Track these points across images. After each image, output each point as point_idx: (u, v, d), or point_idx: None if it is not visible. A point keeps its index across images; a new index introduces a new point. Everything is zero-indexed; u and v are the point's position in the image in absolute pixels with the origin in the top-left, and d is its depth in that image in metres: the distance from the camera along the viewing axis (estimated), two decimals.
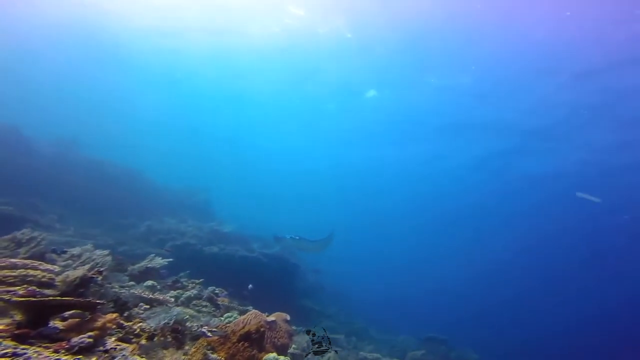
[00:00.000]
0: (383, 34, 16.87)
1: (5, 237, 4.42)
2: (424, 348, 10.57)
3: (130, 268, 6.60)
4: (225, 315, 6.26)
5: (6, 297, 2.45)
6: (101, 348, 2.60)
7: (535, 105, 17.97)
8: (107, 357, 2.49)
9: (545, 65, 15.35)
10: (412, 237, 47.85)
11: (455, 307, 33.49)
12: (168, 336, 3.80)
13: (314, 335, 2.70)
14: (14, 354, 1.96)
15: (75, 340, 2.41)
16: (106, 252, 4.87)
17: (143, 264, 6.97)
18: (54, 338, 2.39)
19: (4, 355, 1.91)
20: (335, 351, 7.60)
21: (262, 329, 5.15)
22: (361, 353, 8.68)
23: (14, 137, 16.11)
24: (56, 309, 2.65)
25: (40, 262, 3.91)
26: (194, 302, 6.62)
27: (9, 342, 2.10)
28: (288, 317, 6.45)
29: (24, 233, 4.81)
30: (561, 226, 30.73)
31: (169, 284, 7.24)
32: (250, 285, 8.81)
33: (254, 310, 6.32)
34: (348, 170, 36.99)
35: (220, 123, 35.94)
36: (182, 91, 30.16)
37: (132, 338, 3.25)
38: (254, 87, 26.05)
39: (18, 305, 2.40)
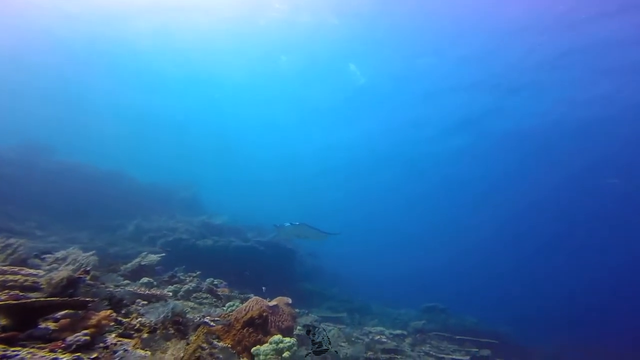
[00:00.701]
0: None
1: None
2: (425, 318, 11.10)
3: (123, 267, 6.45)
4: (227, 304, 6.26)
5: None
6: (101, 345, 2.51)
7: (515, 61, 18.00)
8: (108, 352, 2.41)
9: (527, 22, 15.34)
10: (403, 213, 49.12)
11: (452, 280, 35.01)
12: (170, 329, 3.75)
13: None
14: (4, 357, 1.84)
15: (71, 338, 2.31)
16: (91, 252, 4.73)
17: (136, 261, 6.84)
18: (47, 339, 2.28)
19: None
20: (339, 328, 7.86)
21: (264, 314, 5.18)
22: (365, 328, 9.00)
23: None
24: (44, 310, 2.52)
25: (21, 268, 3.70)
26: (194, 295, 6.58)
27: None
28: (290, 301, 6.50)
29: None
30: (550, 188, 31.94)
31: (165, 279, 7.13)
32: (247, 272, 8.87)
33: (255, 297, 6.34)
34: (333, 150, 36.82)
35: (200, 115, 34.86)
36: (158, 85, 28.89)
37: (133, 333, 3.18)
38: (230, 72, 25.31)
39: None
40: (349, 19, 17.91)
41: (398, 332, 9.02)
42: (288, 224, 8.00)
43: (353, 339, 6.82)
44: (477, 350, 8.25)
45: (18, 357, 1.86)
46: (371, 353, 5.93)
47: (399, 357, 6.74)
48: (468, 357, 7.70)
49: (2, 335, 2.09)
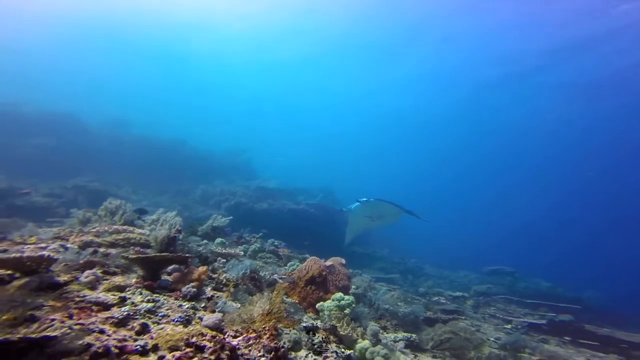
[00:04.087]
0: None
1: (101, 207, 5.36)
2: (489, 282, 10.77)
3: (200, 229, 7.62)
4: (289, 264, 7.07)
5: (125, 255, 3.11)
6: (204, 296, 3.21)
7: None
8: (211, 302, 3.08)
9: None
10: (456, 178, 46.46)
11: (516, 243, 32.94)
12: (249, 284, 4.51)
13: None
14: (154, 300, 2.57)
15: (185, 289, 3.01)
16: (174, 212, 5.67)
17: (209, 223, 7.98)
18: (169, 289, 3.01)
19: (148, 301, 2.51)
20: (395, 288, 8.25)
21: (324, 273, 5.75)
22: (420, 289, 9.25)
23: (74, 123, 18.41)
24: (161, 264, 3.27)
25: (133, 228, 4.70)
26: (259, 254, 7.55)
27: (146, 291, 2.73)
28: (344, 261, 6.99)
29: (110, 202, 5.79)
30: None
31: (234, 240, 8.27)
32: (306, 242, 9.50)
33: (312, 257, 6.96)
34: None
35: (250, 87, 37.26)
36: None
37: (222, 287, 3.92)
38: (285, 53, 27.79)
39: (137, 262, 3.02)
40: None
41: (458, 294, 9.04)
42: (363, 200, 6.58)
43: (409, 299, 7.16)
44: (554, 314, 7.73)
45: (160, 301, 2.57)
46: (430, 313, 6.20)
47: (461, 317, 6.87)
48: (544, 321, 7.27)
49: (145, 283, 2.87)
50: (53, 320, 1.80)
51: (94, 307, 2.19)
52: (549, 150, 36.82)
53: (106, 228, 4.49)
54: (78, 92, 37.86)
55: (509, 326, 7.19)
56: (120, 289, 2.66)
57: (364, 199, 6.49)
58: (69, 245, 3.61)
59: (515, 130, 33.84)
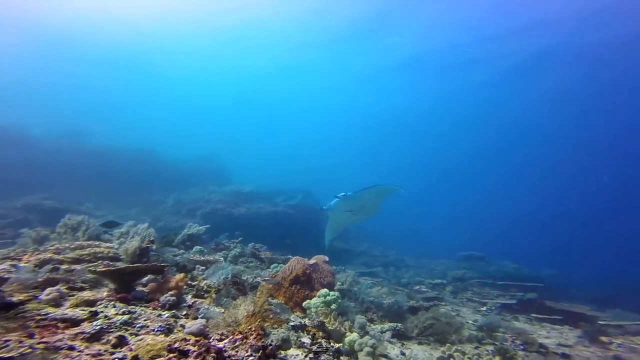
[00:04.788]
0: None
1: (59, 224, 4.91)
2: (463, 267, 11.44)
3: (176, 239, 7.27)
4: (272, 266, 6.96)
5: (92, 269, 2.87)
6: (184, 304, 3.06)
7: None
8: (193, 309, 2.94)
9: None
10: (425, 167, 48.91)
11: (486, 228, 35.14)
12: (231, 288, 4.37)
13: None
14: (130, 312, 2.39)
15: (163, 299, 2.84)
16: (146, 224, 5.37)
17: (185, 232, 7.65)
18: (146, 299, 2.83)
19: (123, 313, 2.33)
20: (377, 281, 8.45)
21: (308, 272, 5.73)
22: (403, 280, 9.56)
23: (17, 135, 16.65)
24: (134, 275, 3.07)
25: (99, 242, 4.38)
26: (241, 259, 7.36)
27: (119, 304, 2.54)
28: (327, 258, 7.01)
29: (70, 218, 5.33)
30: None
31: (212, 247, 7.99)
32: (288, 240, 9.44)
33: (295, 257, 6.92)
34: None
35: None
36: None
37: (204, 294, 3.77)
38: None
39: (106, 275, 2.81)
40: None
41: (437, 281, 9.46)
42: (342, 195, 6.37)
43: (393, 291, 7.35)
44: (522, 294, 8.37)
45: (137, 312, 2.40)
46: (413, 302, 6.42)
47: (442, 304, 7.18)
48: (514, 301, 7.89)
49: (118, 296, 2.66)
50: (7, 341, 1.62)
51: (59, 324, 1.99)
52: (515, 146, 39.45)
53: (67, 245, 4.12)
54: (24, 102, 34.51)
55: (484, 308, 7.68)
56: (90, 303, 2.45)
57: (342, 194, 6.44)
58: (21, 265, 3.26)
59: (485, 127, 35.92)
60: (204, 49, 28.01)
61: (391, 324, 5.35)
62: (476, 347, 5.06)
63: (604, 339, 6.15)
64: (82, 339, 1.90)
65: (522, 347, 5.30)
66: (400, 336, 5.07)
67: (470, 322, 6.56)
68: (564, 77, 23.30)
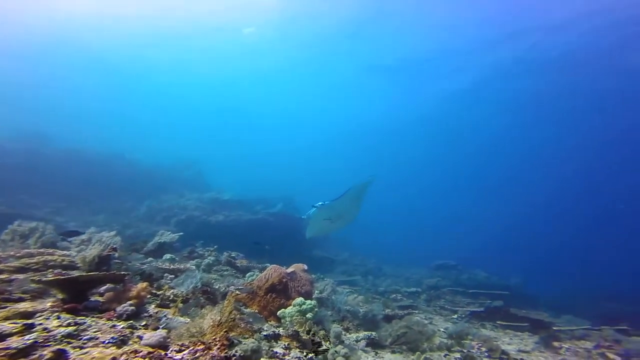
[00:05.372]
0: None
1: (5, 231, 4.49)
2: (437, 275, 11.72)
3: (144, 246, 6.87)
4: (247, 274, 6.73)
5: (37, 278, 2.61)
6: (145, 314, 2.85)
7: None
8: (153, 319, 2.74)
9: None
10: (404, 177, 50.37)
11: (462, 240, 36.29)
12: (200, 297, 4.16)
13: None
14: (76, 323, 2.17)
15: (120, 309, 2.63)
16: (113, 232, 5.05)
17: (155, 240, 7.25)
18: (100, 309, 2.61)
19: (68, 325, 2.11)
20: (355, 290, 8.42)
21: (284, 280, 5.59)
22: (380, 288, 9.62)
23: None
24: (89, 284, 2.83)
25: (54, 250, 4.03)
26: (215, 267, 7.06)
27: (66, 315, 2.30)
28: (305, 267, 6.90)
29: (20, 225, 4.87)
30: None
31: (185, 255, 7.63)
32: (267, 246, 9.24)
33: (272, 265, 6.75)
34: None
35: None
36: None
37: (169, 303, 3.55)
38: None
39: (53, 284, 2.56)
40: None
41: (413, 289, 9.60)
42: (319, 204, 6.36)
43: (370, 299, 7.34)
44: (490, 302, 8.76)
45: (86, 324, 2.19)
46: (389, 310, 6.42)
47: (416, 312, 7.26)
48: (482, 309, 8.21)
49: (65, 306, 2.42)
50: None
51: None
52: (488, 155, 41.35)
53: (12, 253, 3.75)
54: None
55: (455, 316, 7.90)
56: (27, 315, 2.20)
57: (320, 203, 6.41)
58: None
59: (463, 140, 37.41)
60: (182, 52, 27.34)
61: (366, 333, 5.31)
62: (445, 355, 5.12)
63: (555, 344, 6.47)
64: (3, 355, 1.70)
65: (486, 354, 5.46)
66: (374, 345, 5.03)
67: (442, 329, 6.67)
68: (542, 85, 23.32)
